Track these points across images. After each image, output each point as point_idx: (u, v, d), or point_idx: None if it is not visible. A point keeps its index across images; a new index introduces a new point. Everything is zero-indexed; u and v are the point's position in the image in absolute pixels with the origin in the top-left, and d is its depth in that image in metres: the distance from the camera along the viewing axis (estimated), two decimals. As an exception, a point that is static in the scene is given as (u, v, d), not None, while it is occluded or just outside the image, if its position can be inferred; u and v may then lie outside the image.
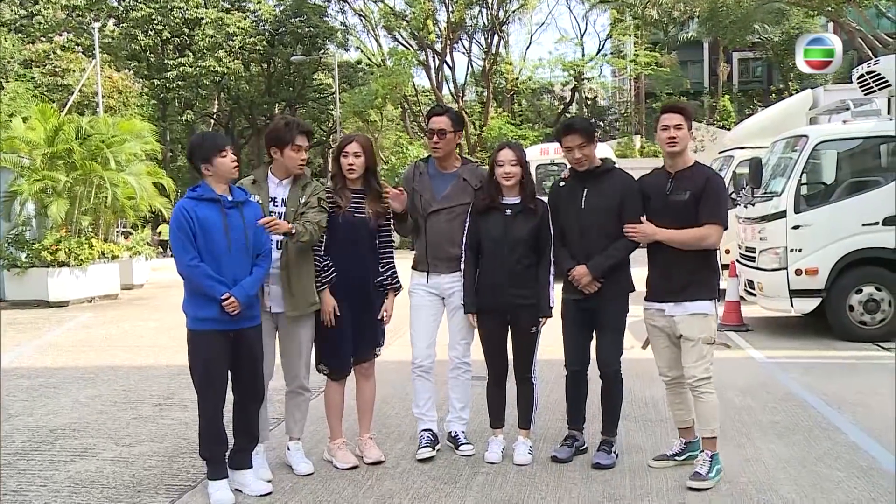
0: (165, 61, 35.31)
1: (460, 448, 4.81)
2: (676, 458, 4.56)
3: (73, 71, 30.20)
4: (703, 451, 4.34)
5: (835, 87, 10.50)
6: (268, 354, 4.44)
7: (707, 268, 4.37)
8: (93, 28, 28.25)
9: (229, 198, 4.13)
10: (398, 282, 4.78)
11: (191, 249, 4.01)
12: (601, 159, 4.64)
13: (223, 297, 3.98)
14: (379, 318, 4.69)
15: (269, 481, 4.35)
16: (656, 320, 4.48)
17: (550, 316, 4.62)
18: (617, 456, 4.61)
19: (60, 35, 33.11)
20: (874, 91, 9.43)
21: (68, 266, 13.53)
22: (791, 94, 18.22)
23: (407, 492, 4.25)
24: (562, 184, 4.73)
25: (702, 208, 4.26)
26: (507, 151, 4.58)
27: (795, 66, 35.33)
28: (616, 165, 4.71)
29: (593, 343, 4.67)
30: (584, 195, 4.52)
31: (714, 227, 4.28)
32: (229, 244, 4.06)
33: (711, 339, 4.31)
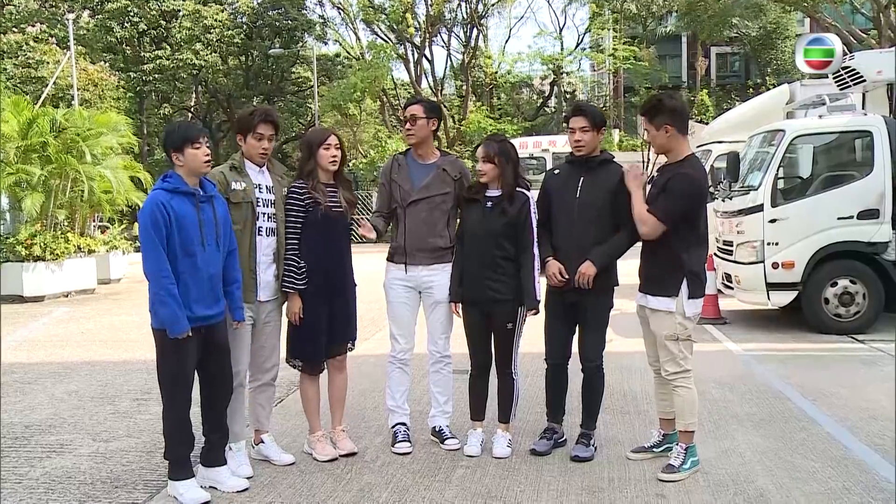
0: (142, 54, 34.87)
1: (446, 442, 4.81)
2: (654, 449, 4.59)
3: (47, 63, 29.71)
4: (678, 443, 4.37)
5: (811, 83, 10.58)
6: (245, 347, 4.43)
7: (672, 265, 4.28)
8: (67, 19, 27.81)
9: (201, 191, 4.06)
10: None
11: (161, 253, 3.86)
12: (600, 150, 4.66)
13: (184, 334, 3.89)
14: (356, 313, 4.70)
15: (250, 478, 4.32)
16: (639, 310, 4.55)
17: (536, 310, 4.59)
18: (595, 449, 4.64)
19: (33, 26, 32.52)
20: (849, 86, 9.52)
21: (44, 260, 13.38)
22: (768, 89, 18.37)
23: (387, 485, 4.25)
24: (556, 171, 4.75)
25: (661, 205, 4.25)
26: (480, 148, 4.66)
27: (773, 61, 35.88)
28: (614, 158, 4.67)
29: (575, 337, 4.69)
30: (580, 184, 4.52)
31: (650, 218, 4.23)
32: (203, 239, 3.98)
33: (674, 335, 4.29)
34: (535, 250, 4.55)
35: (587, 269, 4.41)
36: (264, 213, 4.42)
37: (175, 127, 4.21)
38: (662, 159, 4.54)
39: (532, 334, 4.81)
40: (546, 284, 4.64)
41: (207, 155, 4.05)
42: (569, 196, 4.53)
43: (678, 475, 4.23)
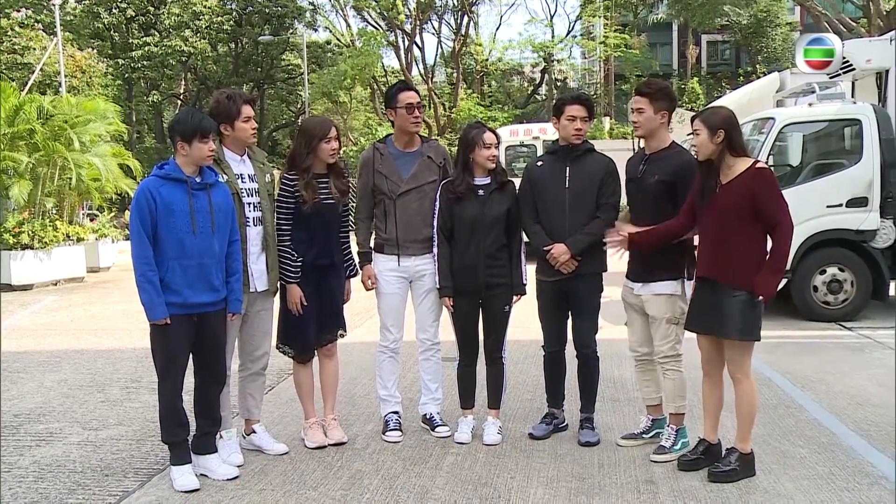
0: (130, 40, 34.65)
1: (436, 430, 4.82)
2: (644, 435, 4.62)
3: (34, 49, 29.50)
4: (669, 425, 4.42)
5: (801, 71, 10.60)
6: (232, 337, 4.42)
7: (681, 248, 4.35)
8: (53, 4, 27.55)
9: (197, 179, 4.05)
10: (356, 267, 4.80)
11: (144, 240, 3.90)
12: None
13: (162, 321, 3.92)
14: (343, 301, 4.72)
15: (240, 466, 4.32)
16: (630, 298, 4.55)
17: (525, 293, 4.66)
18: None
19: (19, 11, 32.23)
20: (839, 74, 9.54)
21: (32, 249, 13.32)
22: (759, 77, 18.39)
23: (377, 472, 4.26)
24: (539, 163, 4.73)
25: (681, 197, 4.23)
26: (491, 134, 4.60)
27: (763, 49, 35.90)
28: (594, 147, 4.71)
29: (569, 322, 4.72)
30: (568, 174, 4.52)
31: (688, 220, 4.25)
32: (194, 226, 3.98)
33: (676, 318, 4.34)
34: (521, 234, 4.62)
35: (557, 251, 4.43)
36: (249, 203, 4.38)
37: (188, 116, 4.11)
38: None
39: (516, 321, 4.84)
40: (536, 274, 4.66)
41: (212, 150, 4.07)
42: (558, 187, 4.52)
43: (669, 455, 4.29)
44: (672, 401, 4.41)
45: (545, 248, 4.50)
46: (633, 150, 4.65)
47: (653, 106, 4.31)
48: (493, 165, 4.58)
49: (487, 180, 4.59)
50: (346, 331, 4.83)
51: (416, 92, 4.83)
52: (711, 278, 4.00)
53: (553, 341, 4.73)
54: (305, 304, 4.50)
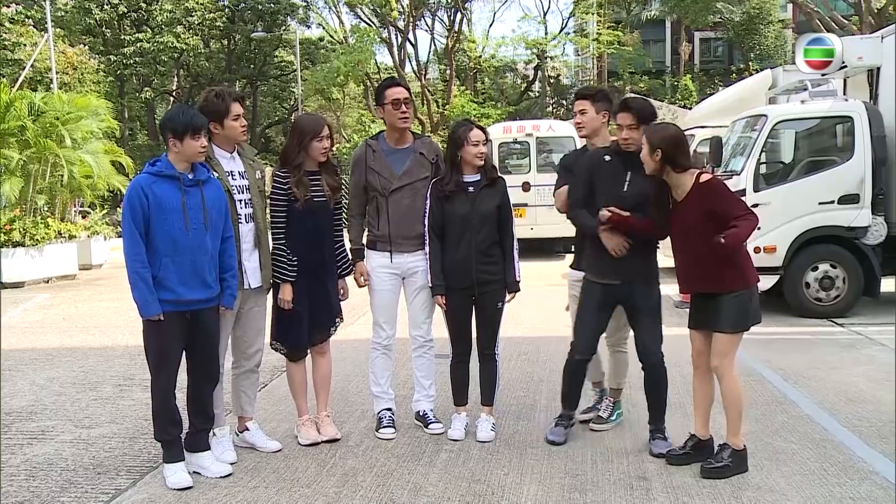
0: (122, 37, 34.50)
1: (429, 426, 4.82)
2: (611, 419, 4.95)
3: (24, 45, 29.31)
4: (607, 398, 4.89)
5: (793, 68, 10.62)
6: (226, 334, 4.42)
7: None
8: (44, 0, 27.42)
9: (190, 175, 4.04)
10: (350, 265, 4.79)
11: (136, 237, 3.89)
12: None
13: (155, 317, 3.92)
14: (338, 297, 4.73)
15: (233, 464, 4.32)
16: (576, 290, 4.68)
17: (518, 290, 4.68)
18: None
19: (8, 7, 31.97)
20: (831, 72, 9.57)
21: (23, 246, 13.26)
22: (751, 74, 18.43)
23: (370, 469, 4.26)
24: (607, 157, 4.45)
25: None
26: (478, 132, 4.58)
27: (756, 47, 35.96)
28: None
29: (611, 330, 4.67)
30: (628, 179, 4.34)
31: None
32: (187, 224, 3.96)
33: None
34: (514, 231, 4.67)
35: (619, 214, 4.18)
36: (240, 200, 4.37)
37: (180, 112, 4.10)
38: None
39: (508, 317, 4.85)
40: (586, 274, 4.51)
41: (204, 147, 4.04)
42: (616, 189, 4.34)
43: (608, 425, 4.81)
44: (616, 377, 4.87)
45: (604, 220, 4.23)
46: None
47: (594, 107, 4.61)
48: (482, 163, 4.57)
49: (477, 177, 4.59)
50: (342, 317, 4.81)
51: (406, 88, 4.80)
52: (709, 293, 4.09)
53: (587, 348, 4.48)
54: (295, 304, 4.49)
